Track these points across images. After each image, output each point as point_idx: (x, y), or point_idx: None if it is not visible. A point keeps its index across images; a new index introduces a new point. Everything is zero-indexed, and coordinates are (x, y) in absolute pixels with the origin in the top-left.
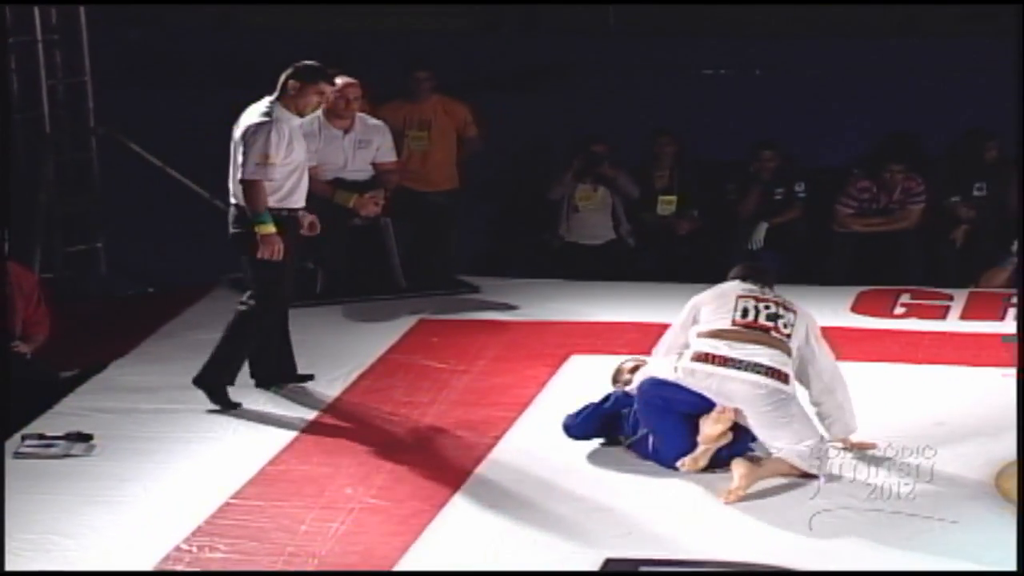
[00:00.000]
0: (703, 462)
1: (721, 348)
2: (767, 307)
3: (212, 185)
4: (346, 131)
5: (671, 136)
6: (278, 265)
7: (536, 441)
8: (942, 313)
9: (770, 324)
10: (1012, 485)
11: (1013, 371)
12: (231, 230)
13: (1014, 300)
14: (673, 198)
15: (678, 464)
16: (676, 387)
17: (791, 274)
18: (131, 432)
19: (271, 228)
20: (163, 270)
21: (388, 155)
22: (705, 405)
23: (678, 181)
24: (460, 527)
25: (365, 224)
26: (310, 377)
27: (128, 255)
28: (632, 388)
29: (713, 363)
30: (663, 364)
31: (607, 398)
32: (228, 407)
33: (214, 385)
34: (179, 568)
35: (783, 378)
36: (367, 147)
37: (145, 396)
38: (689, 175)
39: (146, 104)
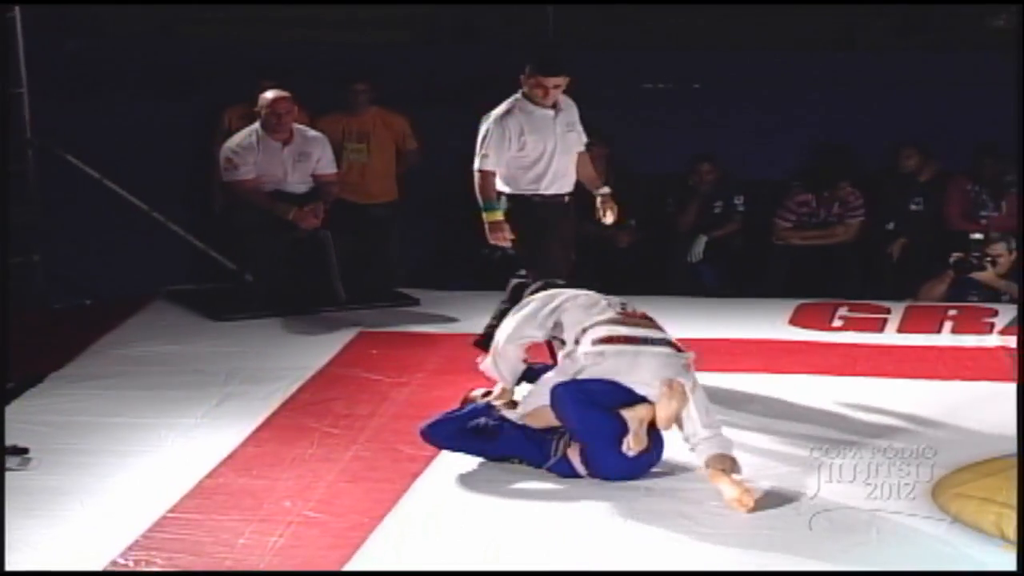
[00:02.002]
0: (644, 439)
1: (621, 330)
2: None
3: (150, 197)
4: (285, 143)
5: (599, 146)
6: (527, 245)
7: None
8: (879, 326)
9: (650, 318)
10: (947, 499)
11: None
12: None
13: (951, 313)
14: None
15: (623, 448)
16: (591, 382)
17: (730, 287)
18: (68, 445)
19: (495, 216)
20: (101, 282)
21: (328, 167)
22: (622, 397)
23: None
24: (398, 541)
25: (304, 236)
26: None
27: (65, 267)
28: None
29: (619, 343)
30: (558, 375)
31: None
32: None
33: None
34: None
35: (682, 349)
36: (307, 159)
37: (82, 409)
38: (622, 183)
39: (83, 116)
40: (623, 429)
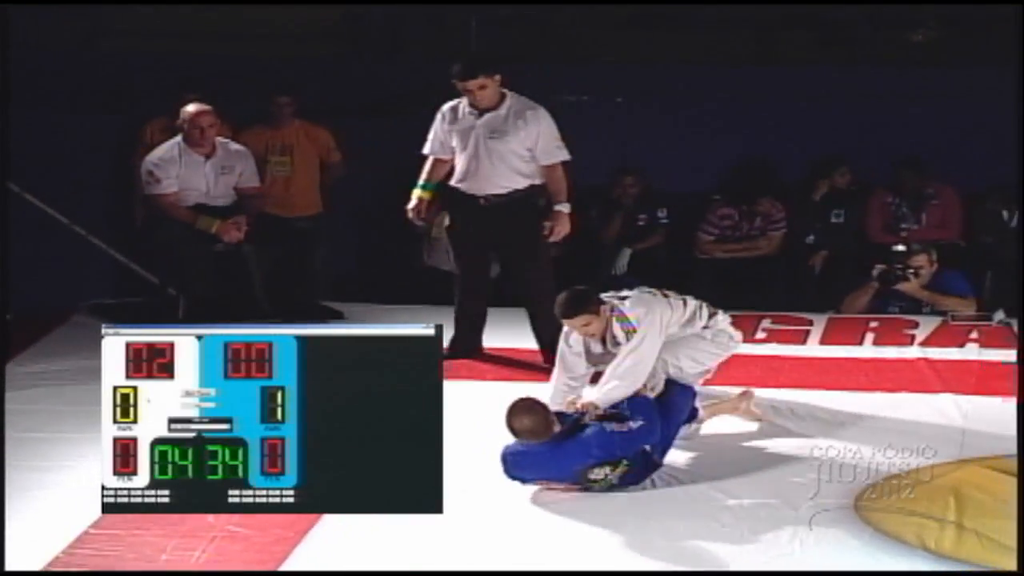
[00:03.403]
0: None
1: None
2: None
3: (71, 210)
4: (207, 157)
5: None
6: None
7: None
8: (802, 338)
9: None
10: (868, 511)
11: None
12: None
13: (872, 324)
14: None
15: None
16: None
17: None
18: None
19: (415, 192)
20: (21, 297)
21: (251, 180)
22: None
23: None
24: (323, 555)
25: (228, 250)
26: None
27: None
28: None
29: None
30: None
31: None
32: None
33: None
34: None
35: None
36: (230, 173)
37: None
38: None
39: (3, 128)
40: None
